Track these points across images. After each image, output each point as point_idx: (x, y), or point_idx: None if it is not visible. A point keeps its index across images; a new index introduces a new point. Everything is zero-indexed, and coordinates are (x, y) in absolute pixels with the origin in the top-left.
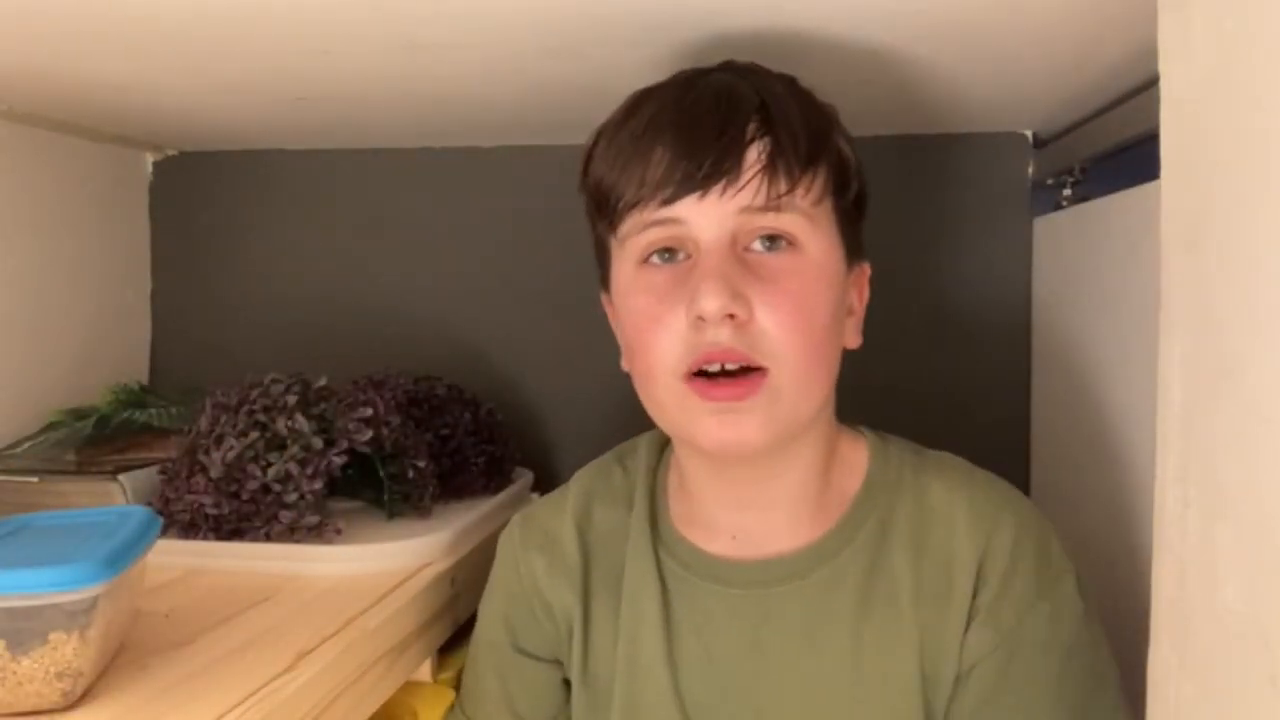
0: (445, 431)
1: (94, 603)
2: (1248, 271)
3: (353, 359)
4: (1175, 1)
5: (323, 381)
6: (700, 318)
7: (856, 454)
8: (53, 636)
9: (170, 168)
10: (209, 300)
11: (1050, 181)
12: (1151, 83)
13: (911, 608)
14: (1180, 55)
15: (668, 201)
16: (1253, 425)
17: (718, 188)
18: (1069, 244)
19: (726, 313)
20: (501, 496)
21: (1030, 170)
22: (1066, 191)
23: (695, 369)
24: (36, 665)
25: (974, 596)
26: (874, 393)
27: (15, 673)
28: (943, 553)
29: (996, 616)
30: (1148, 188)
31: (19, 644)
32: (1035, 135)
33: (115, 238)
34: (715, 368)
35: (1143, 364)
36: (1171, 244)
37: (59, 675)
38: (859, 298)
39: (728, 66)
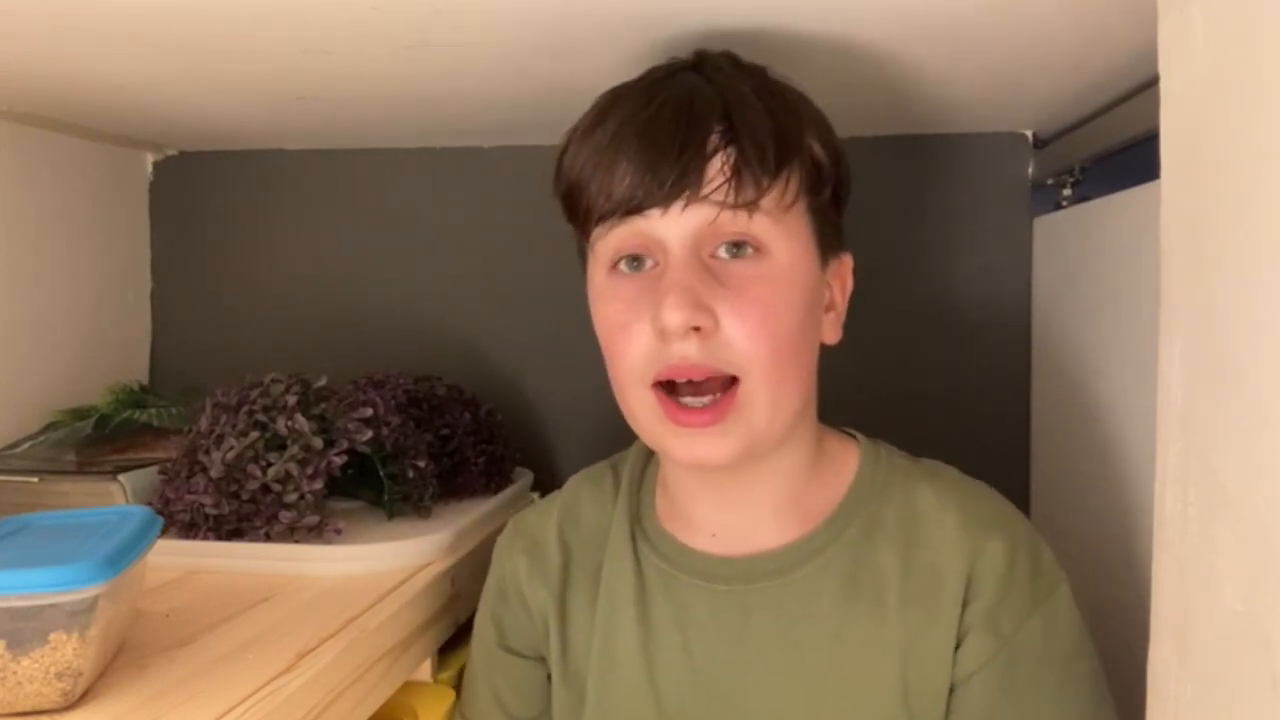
0: (445, 431)
1: (94, 603)
2: (1248, 271)
3: (353, 359)
4: (1175, 1)
5: (323, 381)
6: (665, 330)
7: (846, 456)
8: (53, 636)
9: (170, 168)
10: (209, 300)
11: (1050, 181)
12: (1151, 83)
13: (897, 608)
14: (1180, 55)
15: (631, 213)
16: (1253, 425)
17: (680, 201)
18: (1069, 244)
19: (690, 325)
20: (501, 497)
21: (1030, 170)
22: (1066, 191)
23: (662, 378)
24: (36, 665)
25: (965, 605)
26: (874, 393)
27: (15, 673)
28: (931, 554)
29: (996, 623)
30: (1148, 188)
31: (19, 644)
32: (1035, 135)
33: (115, 238)
34: (683, 379)
35: (1143, 364)
36: (1171, 244)
37: (59, 675)
38: (840, 290)
39: (698, 63)
